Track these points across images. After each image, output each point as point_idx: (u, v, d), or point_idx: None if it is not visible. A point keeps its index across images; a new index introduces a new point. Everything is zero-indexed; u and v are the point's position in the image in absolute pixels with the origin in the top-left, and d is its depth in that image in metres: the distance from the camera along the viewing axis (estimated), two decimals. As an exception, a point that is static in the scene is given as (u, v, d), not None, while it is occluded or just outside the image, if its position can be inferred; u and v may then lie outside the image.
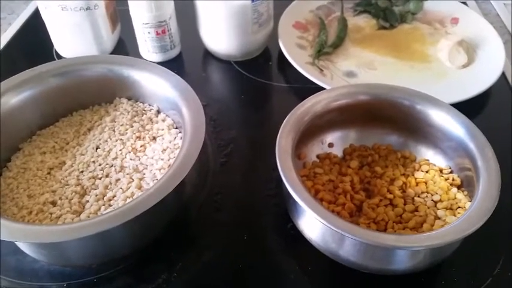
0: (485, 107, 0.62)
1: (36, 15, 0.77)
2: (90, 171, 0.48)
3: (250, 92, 0.65)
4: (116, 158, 0.49)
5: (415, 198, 0.47)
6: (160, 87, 0.52)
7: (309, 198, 0.41)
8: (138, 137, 0.51)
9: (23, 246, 0.44)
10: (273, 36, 0.69)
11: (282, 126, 0.46)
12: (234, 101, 0.65)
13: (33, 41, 0.74)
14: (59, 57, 0.69)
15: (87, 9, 0.62)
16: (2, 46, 0.73)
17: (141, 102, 0.56)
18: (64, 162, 0.49)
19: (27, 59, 0.72)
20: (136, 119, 0.53)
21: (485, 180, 0.42)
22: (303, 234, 0.45)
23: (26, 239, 0.39)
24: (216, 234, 0.48)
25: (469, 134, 0.46)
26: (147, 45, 0.66)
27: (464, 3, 0.79)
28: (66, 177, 0.48)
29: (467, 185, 0.47)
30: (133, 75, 0.53)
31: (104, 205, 0.45)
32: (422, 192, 0.48)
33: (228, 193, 0.52)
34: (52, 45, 0.70)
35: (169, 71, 0.53)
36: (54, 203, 0.46)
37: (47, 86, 0.52)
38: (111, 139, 0.51)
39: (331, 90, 0.51)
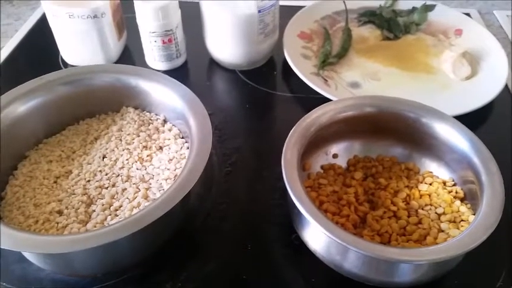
0: (489, 119, 0.63)
1: (42, 22, 0.78)
2: (96, 181, 0.48)
3: (254, 101, 0.66)
4: (122, 167, 0.50)
5: (419, 210, 0.48)
6: (167, 97, 0.52)
7: (314, 210, 0.41)
8: (145, 147, 0.52)
9: (28, 255, 0.45)
10: (278, 46, 0.70)
11: (288, 137, 0.47)
12: (238, 110, 0.65)
13: (39, 48, 0.75)
14: (65, 64, 0.70)
15: (94, 17, 0.63)
16: (8, 52, 0.73)
17: (147, 112, 0.56)
18: (70, 171, 0.50)
19: (33, 65, 0.72)
20: (143, 128, 0.54)
21: (489, 194, 0.42)
22: (307, 246, 0.46)
23: (33, 249, 0.40)
24: (221, 244, 0.49)
25: (473, 148, 0.46)
26: (153, 54, 0.66)
27: (468, 14, 0.80)
28: (72, 186, 0.48)
29: (470, 198, 0.47)
30: (141, 84, 0.54)
31: (110, 215, 0.45)
32: (426, 205, 0.48)
33: (233, 203, 0.52)
34: (58, 52, 0.70)
35: (177, 81, 0.53)
36: (60, 212, 0.46)
37: (54, 94, 0.52)
38: (117, 148, 0.52)
39: (337, 102, 0.52)
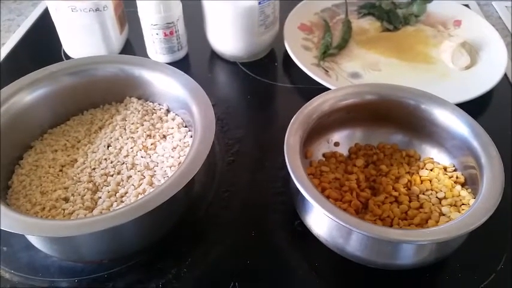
0: (488, 108, 0.63)
1: (44, 17, 0.79)
2: (102, 169, 0.49)
3: (256, 93, 0.66)
4: (127, 155, 0.50)
5: (420, 195, 0.48)
6: (170, 86, 0.53)
7: (317, 195, 0.41)
8: (149, 135, 0.52)
9: (35, 241, 0.45)
10: (279, 37, 0.70)
11: (290, 124, 0.47)
12: (240, 102, 0.66)
13: (42, 42, 0.75)
14: (67, 57, 0.70)
15: (96, 10, 0.63)
16: (11, 47, 0.74)
17: (151, 102, 0.57)
18: (76, 160, 0.50)
19: (36, 59, 0.73)
20: (146, 117, 0.54)
21: (489, 177, 0.43)
22: (310, 231, 0.46)
23: (41, 233, 0.40)
24: (225, 231, 0.49)
25: (473, 133, 0.47)
26: (154, 46, 0.67)
27: (467, 5, 0.81)
28: (78, 174, 0.49)
29: (471, 182, 0.48)
30: (144, 74, 0.54)
31: (116, 201, 0.46)
32: (427, 190, 0.49)
33: (236, 191, 0.53)
34: (60, 46, 0.71)
35: (179, 71, 0.53)
36: (66, 199, 0.46)
37: (59, 85, 0.53)
38: (122, 137, 0.52)
39: (338, 90, 0.52)
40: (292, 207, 0.49)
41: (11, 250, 0.47)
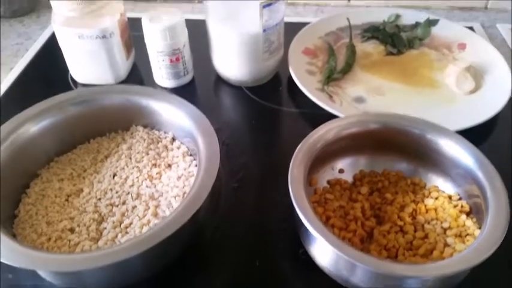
0: (493, 133, 0.63)
1: (52, 41, 0.80)
2: (107, 199, 0.49)
3: (260, 117, 0.66)
4: (132, 185, 0.51)
5: (425, 225, 0.48)
6: (176, 116, 0.53)
7: (321, 227, 0.41)
8: (154, 165, 0.53)
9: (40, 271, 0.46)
10: (283, 62, 0.71)
11: (295, 154, 0.47)
12: (245, 126, 0.66)
13: (49, 66, 0.76)
14: (74, 82, 0.71)
15: (103, 37, 0.64)
16: (19, 71, 0.75)
17: (156, 130, 0.57)
18: (82, 190, 0.51)
19: (44, 83, 0.74)
20: (152, 146, 0.55)
21: (494, 210, 0.42)
22: (314, 261, 0.46)
23: (46, 267, 0.40)
24: (229, 260, 0.49)
25: (477, 163, 0.47)
26: (161, 72, 0.68)
27: (471, 28, 0.81)
28: (84, 204, 0.49)
29: (476, 211, 0.48)
30: (150, 104, 0.55)
31: (120, 232, 0.46)
32: (432, 219, 0.48)
33: (240, 218, 0.53)
34: (67, 71, 0.71)
35: (185, 101, 0.54)
36: (72, 230, 0.47)
37: (66, 114, 0.53)
38: (127, 166, 0.53)
39: (343, 119, 0.53)
40: (296, 234, 0.49)
41: (16, 277, 0.47)
